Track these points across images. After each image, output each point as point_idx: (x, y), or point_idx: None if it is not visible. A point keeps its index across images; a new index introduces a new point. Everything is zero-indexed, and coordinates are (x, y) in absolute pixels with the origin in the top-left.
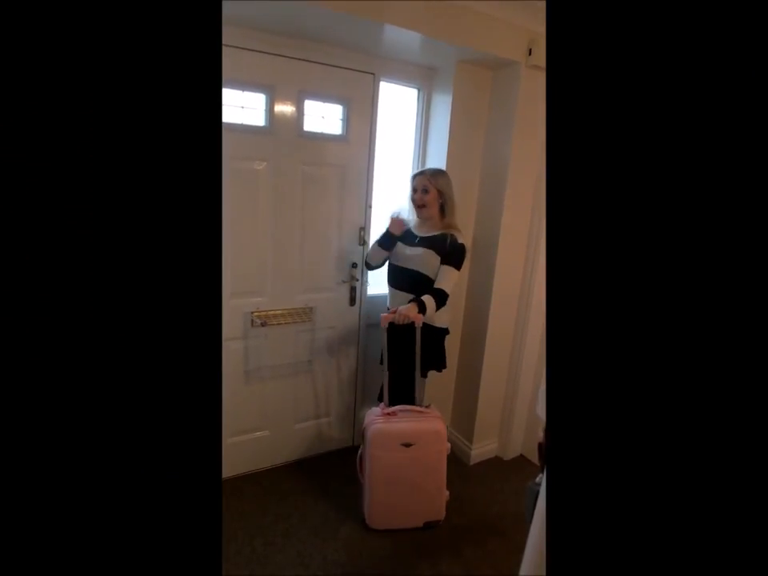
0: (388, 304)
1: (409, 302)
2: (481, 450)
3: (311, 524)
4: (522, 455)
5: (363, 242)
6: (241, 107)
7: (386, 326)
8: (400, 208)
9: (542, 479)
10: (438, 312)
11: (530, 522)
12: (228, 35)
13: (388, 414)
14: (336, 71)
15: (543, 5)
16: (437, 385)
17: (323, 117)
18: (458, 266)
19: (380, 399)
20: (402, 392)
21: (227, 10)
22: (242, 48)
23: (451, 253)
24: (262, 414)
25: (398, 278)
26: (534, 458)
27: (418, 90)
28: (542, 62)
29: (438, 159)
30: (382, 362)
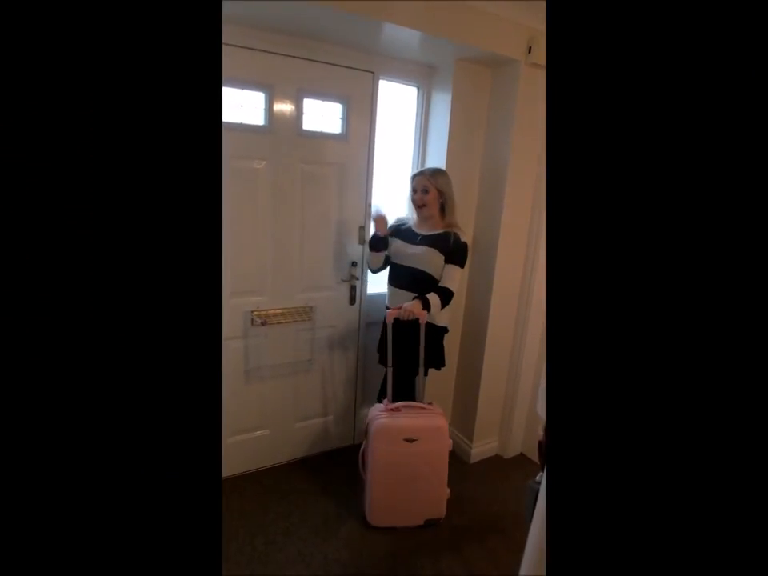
0: (387, 302)
1: (413, 299)
2: (481, 448)
3: (312, 523)
4: (522, 454)
5: (363, 240)
6: (240, 106)
7: (391, 321)
8: (376, 206)
9: (542, 477)
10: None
11: (530, 520)
12: (227, 34)
13: (392, 409)
14: (335, 70)
15: (543, 2)
16: (437, 383)
17: (322, 115)
18: (461, 264)
19: (380, 399)
20: (402, 390)
21: (226, 9)
22: (241, 47)
23: (455, 251)
24: (262, 413)
25: (399, 277)
26: (534, 456)
27: (418, 89)
28: (542, 60)
29: (437, 158)
30: (381, 361)
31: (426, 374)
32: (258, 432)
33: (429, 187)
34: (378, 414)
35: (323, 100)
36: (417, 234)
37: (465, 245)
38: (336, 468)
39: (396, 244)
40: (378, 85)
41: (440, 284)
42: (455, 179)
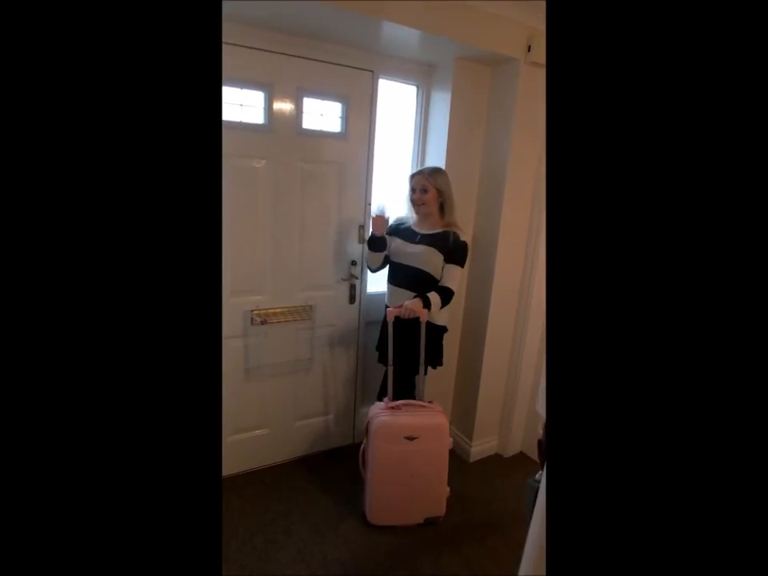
0: (387, 301)
1: (414, 297)
2: (481, 447)
3: (312, 521)
4: (521, 452)
5: (363, 239)
6: (240, 105)
7: (392, 319)
8: (380, 205)
9: (541, 476)
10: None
11: (530, 518)
12: (226, 32)
13: (392, 407)
14: (335, 68)
15: (542, 1)
16: (437, 382)
17: (322, 114)
18: (461, 263)
19: (380, 398)
20: (402, 388)
21: (226, 8)
22: (241, 45)
23: (455, 251)
24: (262, 412)
25: (398, 276)
26: (534, 455)
27: (417, 87)
28: (541, 59)
29: (437, 156)
30: (380, 360)
31: (425, 372)
32: (258, 431)
33: (428, 186)
34: (379, 413)
35: (323, 99)
36: (416, 233)
37: (464, 244)
38: (336, 467)
39: (395, 243)
40: (377, 83)
41: (440, 283)
42: (454, 178)
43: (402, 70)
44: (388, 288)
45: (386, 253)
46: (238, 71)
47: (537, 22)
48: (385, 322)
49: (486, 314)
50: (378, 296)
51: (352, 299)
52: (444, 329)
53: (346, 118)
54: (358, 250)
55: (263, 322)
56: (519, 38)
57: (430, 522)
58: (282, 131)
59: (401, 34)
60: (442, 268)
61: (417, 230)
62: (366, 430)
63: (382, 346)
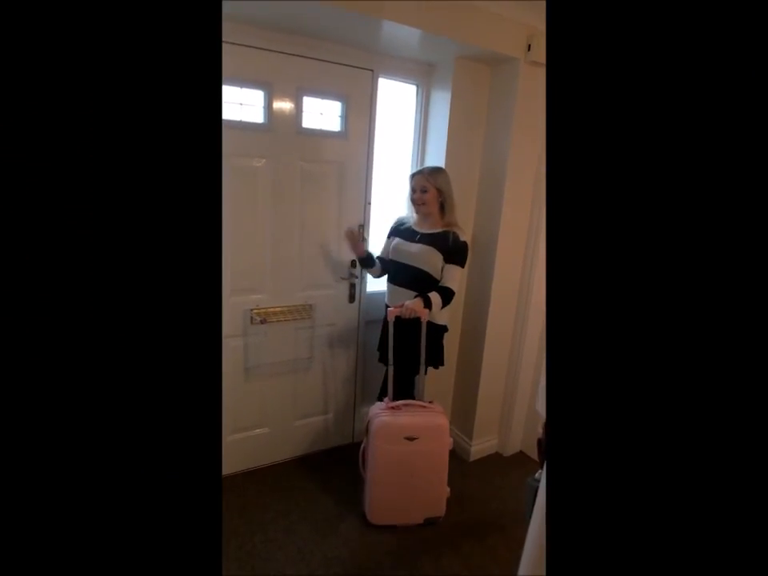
0: (387, 300)
1: (415, 296)
2: (480, 446)
3: (312, 521)
4: (521, 451)
5: (362, 239)
6: (239, 104)
7: (393, 319)
8: (351, 227)
9: (541, 475)
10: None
11: (530, 517)
12: (226, 32)
13: (392, 407)
14: (335, 68)
15: (542, 1)
16: (436, 382)
17: (322, 113)
18: (462, 263)
19: (380, 398)
20: (402, 388)
21: (226, 7)
22: (240, 44)
23: (454, 251)
24: (261, 411)
25: (398, 275)
26: (534, 454)
27: (417, 87)
28: (541, 58)
29: (437, 156)
30: (380, 360)
31: (425, 372)
32: (258, 430)
33: (428, 186)
34: (379, 413)
35: (322, 98)
36: (416, 233)
37: (464, 244)
38: (336, 466)
39: (396, 242)
40: (377, 83)
41: (441, 283)
42: (454, 177)
43: (401, 70)
44: (388, 287)
45: (377, 267)
46: (238, 70)
47: (537, 21)
48: (386, 322)
49: (486, 313)
50: (377, 295)
51: (352, 298)
52: (444, 328)
53: (345, 117)
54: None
55: (263, 321)
56: (519, 37)
57: (430, 523)
58: (282, 130)
59: (401, 34)
60: (442, 268)
61: (417, 229)
62: (366, 429)
63: (383, 345)
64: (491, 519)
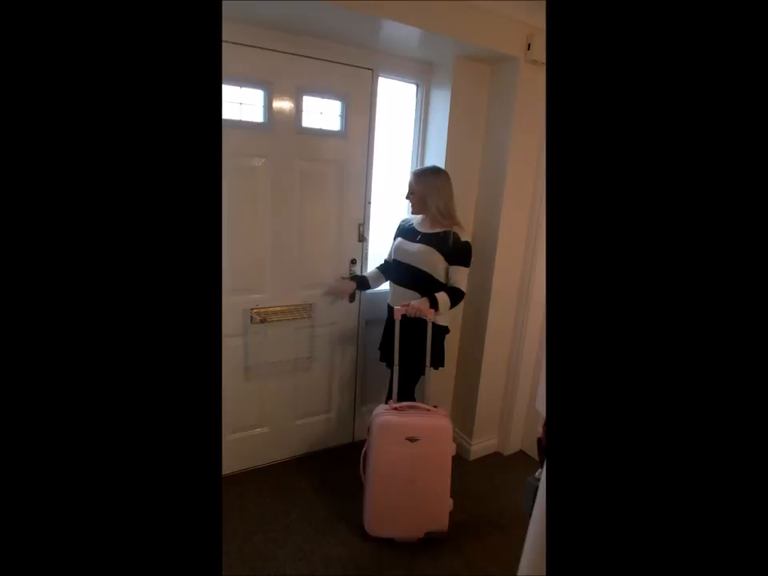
0: (389, 300)
1: (421, 297)
2: (480, 445)
3: (312, 520)
4: (521, 450)
5: (362, 238)
6: (239, 103)
7: (399, 318)
8: (330, 287)
9: (541, 474)
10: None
11: (530, 516)
12: (226, 31)
13: (395, 409)
14: (334, 67)
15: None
16: (436, 381)
17: (321, 113)
18: (466, 263)
19: (387, 402)
20: (403, 389)
21: (226, 7)
22: (240, 44)
23: (456, 252)
24: (261, 410)
25: (398, 274)
26: (534, 453)
27: (417, 86)
28: (541, 57)
29: (436, 155)
30: (382, 359)
31: (425, 373)
32: (258, 429)
33: (413, 188)
34: (381, 413)
35: (322, 97)
36: (417, 233)
37: (466, 244)
38: (336, 465)
39: (398, 242)
40: (377, 82)
41: (450, 284)
42: (454, 176)
43: (401, 69)
44: (390, 286)
45: (374, 281)
46: (237, 69)
47: (537, 20)
48: (389, 322)
49: (486, 313)
50: (378, 295)
51: (352, 298)
52: (446, 329)
53: (345, 116)
54: (357, 248)
55: (263, 321)
56: (519, 36)
57: (432, 538)
58: (282, 130)
59: (400, 33)
60: (445, 269)
61: (419, 229)
62: (368, 430)
63: (385, 345)
64: (491, 518)
